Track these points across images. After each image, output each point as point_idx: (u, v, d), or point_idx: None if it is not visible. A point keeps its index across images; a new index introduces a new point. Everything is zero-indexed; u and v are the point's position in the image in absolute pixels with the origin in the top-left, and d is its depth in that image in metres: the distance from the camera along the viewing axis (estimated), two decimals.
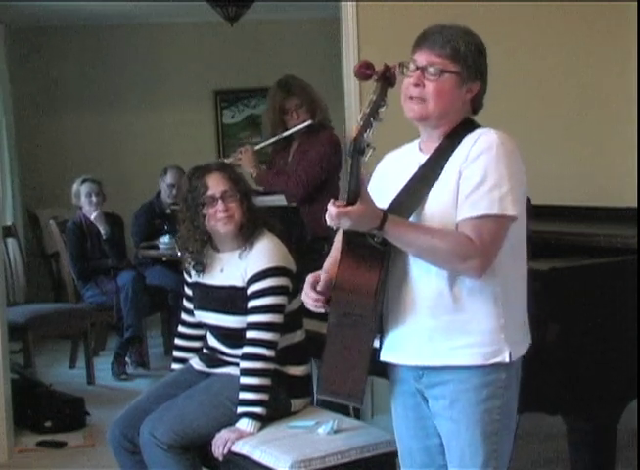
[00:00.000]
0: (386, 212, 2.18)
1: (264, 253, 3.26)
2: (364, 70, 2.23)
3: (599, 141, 4.81)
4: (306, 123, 4.46)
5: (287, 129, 4.51)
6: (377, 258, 2.24)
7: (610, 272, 2.99)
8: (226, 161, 4.42)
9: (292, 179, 4.38)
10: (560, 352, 2.73)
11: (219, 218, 3.26)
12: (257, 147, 4.53)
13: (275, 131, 4.53)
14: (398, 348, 2.35)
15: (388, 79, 2.22)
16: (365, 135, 2.11)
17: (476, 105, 2.36)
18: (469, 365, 2.25)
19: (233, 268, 3.30)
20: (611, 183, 4.73)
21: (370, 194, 2.19)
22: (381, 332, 2.36)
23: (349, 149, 2.11)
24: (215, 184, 3.28)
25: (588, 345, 2.84)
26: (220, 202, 3.26)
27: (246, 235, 3.30)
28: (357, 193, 2.13)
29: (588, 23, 4.78)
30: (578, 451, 2.90)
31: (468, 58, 2.28)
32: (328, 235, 3.91)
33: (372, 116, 2.14)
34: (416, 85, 2.28)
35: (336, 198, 2.12)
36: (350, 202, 2.13)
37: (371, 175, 2.46)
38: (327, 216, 2.16)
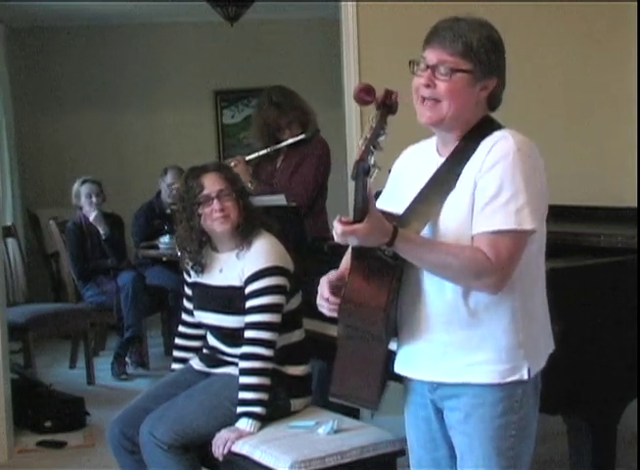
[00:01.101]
0: (396, 228, 2.09)
1: (261, 252, 3.27)
2: (363, 96, 2.10)
3: (599, 141, 4.81)
4: (299, 137, 4.47)
5: (278, 141, 4.52)
6: (388, 271, 2.18)
7: (610, 272, 2.99)
8: None
9: (290, 197, 4.36)
10: (560, 352, 2.72)
11: (215, 218, 3.26)
12: (248, 158, 4.52)
13: (266, 144, 4.54)
14: (413, 362, 2.30)
15: (388, 107, 2.10)
16: (367, 158, 2.03)
17: (493, 102, 2.26)
18: (485, 383, 2.19)
19: (231, 268, 3.30)
20: (611, 183, 4.73)
21: (378, 211, 2.10)
22: (396, 336, 2.32)
23: (353, 172, 2.03)
24: (211, 184, 3.29)
25: (588, 345, 2.84)
26: (216, 201, 3.26)
27: (243, 235, 3.30)
28: (364, 211, 2.05)
29: (588, 23, 4.78)
30: (578, 451, 2.90)
31: (481, 54, 2.16)
32: (327, 235, 3.92)
33: (372, 143, 2.04)
34: (427, 86, 2.18)
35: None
36: (357, 220, 2.06)
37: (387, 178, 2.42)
38: (334, 233, 2.09)
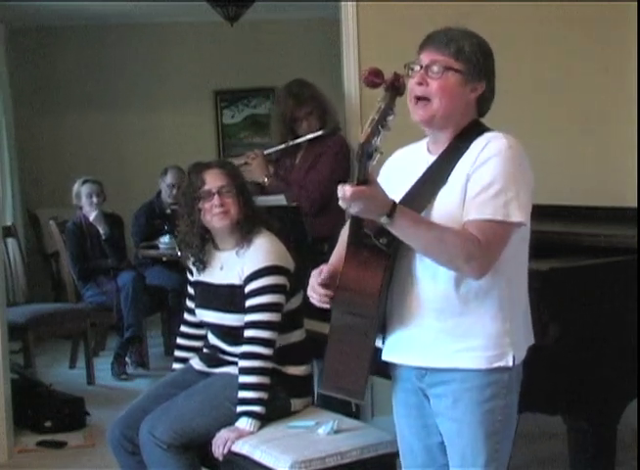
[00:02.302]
0: (395, 202, 2.14)
1: (261, 251, 3.27)
2: (373, 78, 2.18)
3: (599, 141, 4.81)
4: (317, 133, 4.40)
5: (296, 136, 4.47)
6: (382, 259, 2.24)
7: (610, 272, 2.99)
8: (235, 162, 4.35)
9: (303, 194, 4.32)
10: (560, 352, 2.73)
11: (215, 213, 3.27)
12: (267, 152, 4.49)
13: (284, 138, 4.48)
14: (402, 348, 2.35)
15: (397, 89, 2.17)
16: (373, 141, 2.08)
17: (482, 107, 2.34)
18: (472, 369, 2.25)
19: (231, 266, 3.30)
20: (611, 183, 4.73)
21: (378, 183, 2.15)
22: (383, 332, 2.36)
23: (357, 153, 2.08)
24: (212, 179, 3.30)
25: (588, 345, 2.84)
26: (216, 196, 3.28)
27: (243, 232, 3.30)
28: (366, 179, 2.10)
29: (588, 23, 4.77)
30: (578, 451, 2.90)
31: (472, 57, 2.26)
32: (328, 236, 3.91)
33: (380, 123, 2.10)
34: (419, 84, 2.27)
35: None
36: (360, 184, 2.10)
37: (378, 173, 2.44)
38: (340, 197, 2.11)
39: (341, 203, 2.13)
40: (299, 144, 4.50)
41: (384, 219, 2.14)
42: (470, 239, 2.17)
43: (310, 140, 4.46)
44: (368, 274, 2.25)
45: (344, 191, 2.09)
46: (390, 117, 2.12)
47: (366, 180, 2.10)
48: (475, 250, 2.16)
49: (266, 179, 4.35)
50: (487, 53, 2.32)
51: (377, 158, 2.10)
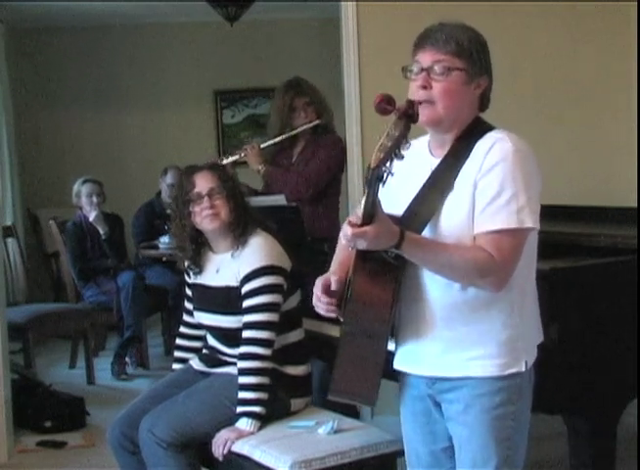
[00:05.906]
0: (403, 232, 2.11)
1: (256, 251, 3.27)
2: (385, 106, 2.08)
3: (599, 141, 4.81)
4: (314, 122, 4.46)
5: (293, 129, 4.50)
6: (391, 271, 2.21)
7: (610, 272, 2.99)
8: (231, 158, 4.43)
9: (301, 178, 4.38)
10: (560, 352, 2.73)
11: (204, 215, 3.28)
12: (264, 145, 4.53)
13: (282, 130, 4.52)
14: (413, 358, 2.32)
15: (410, 117, 2.09)
16: (385, 166, 2.02)
17: (484, 102, 2.29)
18: (485, 377, 2.23)
19: (227, 268, 3.30)
20: (611, 183, 4.73)
21: (385, 215, 2.11)
22: (393, 334, 2.33)
23: (368, 175, 2.03)
24: (202, 182, 3.31)
25: (588, 345, 2.84)
26: (206, 199, 3.28)
27: (237, 234, 3.30)
28: (372, 214, 2.06)
29: (588, 23, 4.77)
30: (578, 451, 2.90)
31: (473, 52, 2.20)
32: (328, 235, 3.90)
33: (393, 152, 2.02)
34: (423, 87, 2.20)
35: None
36: (365, 222, 2.07)
37: None
38: (342, 236, 2.10)
39: (342, 239, 2.10)
40: (296, 141, 4.53)
41: (392, 249, 2.12)
42: (481, 257, 2.13)
43: (307, 138, 4.50)
44: (378, 287, 2.22)
45: (345, 231, 2.07)
46: (404, 147, 2.04)
47: (372, 215, 2.06)
48: (489, 265, 2.13)
49: (261, 168, 4.40)
50: (484, 45, 2.25)
51: (388, 180, 2.04)
